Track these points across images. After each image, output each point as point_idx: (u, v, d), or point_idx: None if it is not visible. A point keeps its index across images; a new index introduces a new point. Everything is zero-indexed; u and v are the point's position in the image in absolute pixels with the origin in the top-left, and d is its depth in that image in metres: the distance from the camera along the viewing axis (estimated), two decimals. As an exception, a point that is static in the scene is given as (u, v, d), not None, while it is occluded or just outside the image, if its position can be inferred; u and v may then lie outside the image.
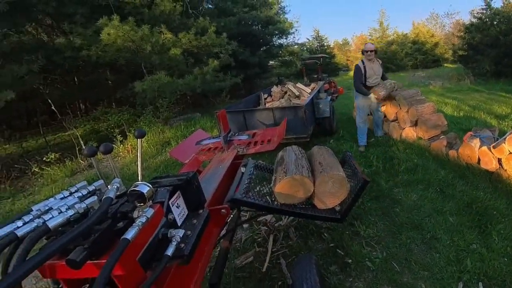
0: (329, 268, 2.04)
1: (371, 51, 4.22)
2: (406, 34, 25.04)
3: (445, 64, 22.96)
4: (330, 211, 1.65)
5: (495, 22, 12.08)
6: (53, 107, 7.14)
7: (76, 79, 9.77)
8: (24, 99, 7.78)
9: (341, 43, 38.48)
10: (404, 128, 4.47)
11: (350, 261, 2.09)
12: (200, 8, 9.73)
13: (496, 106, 6.67)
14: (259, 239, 2.43)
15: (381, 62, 4.50)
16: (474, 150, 3.18)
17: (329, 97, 5.68)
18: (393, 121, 4.73)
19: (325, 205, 1.63)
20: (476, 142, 3.20)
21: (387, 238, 2.32)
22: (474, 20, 13.31)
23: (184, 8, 8.25)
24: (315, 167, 1.78)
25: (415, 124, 4.29)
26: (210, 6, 11.86)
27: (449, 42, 24.26)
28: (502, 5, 12.27)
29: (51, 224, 0.64)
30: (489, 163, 3.04)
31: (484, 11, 12.76)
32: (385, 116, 4.89)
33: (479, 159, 3.17)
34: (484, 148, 3.06)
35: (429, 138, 4.12)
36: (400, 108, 4.46)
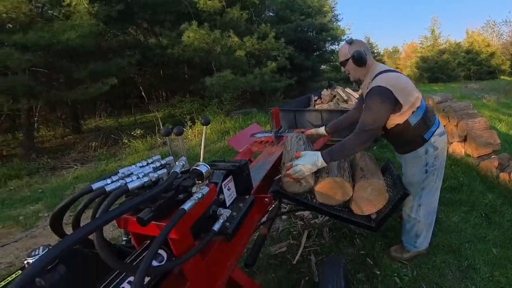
0: (356, 275, 1.85)
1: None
2: (459, 43, 21.07)
3: (502, 77, 18.67)
4: (366, 218, 1.51)
5: None
6: (142, 93, 8.06)
7: (161, 72, 10.81)
8: (123, 85, 8.92)
9: (391, 50, 34.80)
10: (451, 143, 3.79)
11: (378, 272, 1.86)
12: (263, 15, 9.84)
13: None
14: (294, 232, 2.36)
15: None
16: None
17: None
18: None
19: (362, 211, 1.50)
20: None
21: (421, 257, 1.98)
22: None
23: (249, 16, 8.42)
24: (356, 172, 1.65)
25: (464, 139, 3.59)
26: (271, 14, 11.90)
27: (507, 53, 19.99)
28: None
29: (131, 186, 0.70)
30: None
31: None
32: None
33: None
34: None
35: (478, 157, 3.39)
36: (449, 121, 3.79)
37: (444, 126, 3.77)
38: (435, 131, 1.59)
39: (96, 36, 5.92)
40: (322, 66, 15.79)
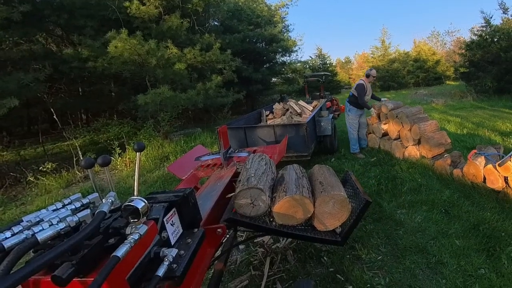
0: None
1: (374, 76, 5.15)
2: (408, 52, 25.57)
3: (447, 82, 23.23)
4: (330, 233, 1.60)
5: (495, 39, 12.30)
6: (54, 116, 7.23)
7: (80, 89, 9.95)
8: (27, 106, 7.90)
9: (343, 61, 39.49)
10: (407, 147, 4.45)
11: (350, 287, 2.01)
12: (207, 25, 10.10)
13: (500, 122, 6.67)
14: (255, 262, 2.36)
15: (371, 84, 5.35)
16: (479, 169, 3.12)
17: (331, 115, 5.74)
18: (395, 139, 4.72)
19: (325, 226, 1.58)
20: (481, 161, 3.14)
21: (390, 262, 2.24)
22: (475, 38, 13.57)
23: (191, 25, 8.54)
24: (316, 187, 1.76)
25: (418, 142, 4.27)
26: (216, 23, 12.30)
27: (451, 60, 24.74)
28: (502, 22, 12.54)
29: (40, 236, 0.63)
30: (495, 182, 2.97)
31: (484, 29, 13.08)
32: (387, 135, 4.92)
33: (484, 178, 3.10)
34: (490, 166, 3.00)
35: (432, 157, 4.07)
36: (403, 126, 4.46)
37: (398, 131, 4.62)
38: (355, 107, 4.94)
39: (-12, 45, 5.22)
40: (273, 79, 16.84)
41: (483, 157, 3.16)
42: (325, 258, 2.32)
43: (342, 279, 2.09)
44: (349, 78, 32.49)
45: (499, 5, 12.40)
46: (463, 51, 14.64)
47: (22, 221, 0.70)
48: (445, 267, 2.13)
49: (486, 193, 3.07)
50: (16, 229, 0.65)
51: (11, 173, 5.78)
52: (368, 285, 2.02)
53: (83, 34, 7.20)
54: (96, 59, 6.85)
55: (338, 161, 4.92)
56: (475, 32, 13.62)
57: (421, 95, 15.43)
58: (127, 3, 7.04)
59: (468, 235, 2.48)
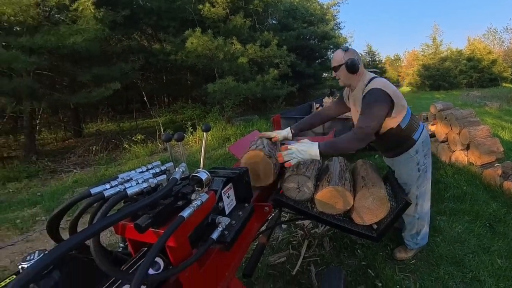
0: (357, 287, 1.81)
1: None
2: (461, 50, 21.33)
3: (504, 84, 18.65)
4: (367, 228, 1.49)
5: None
6: (145, 98, 8.13)
7: (164, 78, 10.94)
8: (126, 89, 9.02)
9: (392, 58, 35.11)
10: (454, 151, 3.74)
11: (380, 284, 1.82)
12: (266, 23, 10.01)
13: None
14: (294, 242, 2.33)
15: None
16: None
17: None
18: (442, 142, 3.99)
19: (363, 220, 1.47)
20: None
21: (423, 268, 1.95)
22: None
23: (252, 23, 8.57)
24: (358, 181, 1.64)
25: (466, 147, 3.55)
26: (274, 21, 12.08)
27: (509, 60, 20.16)
28: None
29: (129, 191, 0.70)
30: None
31: None
32: (434, 136, 4.17)
33: None
34: None
35: (481, 165, 3.35)
36: (451, 129, 3.74)
37: (446, 134, 3.84)
38: (421, 132, 1.74)
39: (101, 41, 6.02)
40: (324, 74, 15.94)
41: None
42: (359, 251, 2.15)
43: (373, 274, 1.91)
44: (398, 75, 28.74)
45: None
46: None
47: (118, 177, 0.77)
48: (481, 285, 1.76)
49: None
50: (113, 183, 0.74)
51: (113, 140, 6.74)
52: (398, 286, 1.79)
53: (167, 33, 7.85)
54: (177, 53, 7.38)
55: (382, 158, 4.44)
56: None
57: (474, 97, 12.61)
58: (201, 6, 7.37)
59: None
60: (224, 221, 0.87)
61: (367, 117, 1.50)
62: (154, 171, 0.84)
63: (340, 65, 1.64)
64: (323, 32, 12.79)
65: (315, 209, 1.47)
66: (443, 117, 3.92)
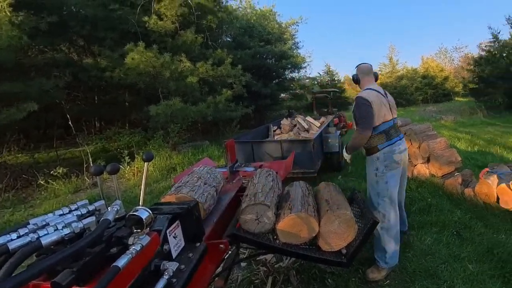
0: None
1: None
2: (416, 68, 25.63)
3: (456, 98, 23.01)
4: (336, 254, 1.56)
5: (504, 54, 12.25)
6: (70, 122, 7.43)
7: (96, 98, 10.25)
8: (45, 111, 8.15)
9: (351, 78, 39.58)
10: (416, 165, 4.31)
11: None
12: (219, 40, 10.44)
13: None
14: (256, 281, 2.28)
15: None
16: (492, 188, 2.98)
17: (338, 132, 5.70)
18: None
19: (331, 247, 1.54)
20: (493, 179, 3.01)
21: (399, 287, 2.13)
22: (483, 53, 13.59)
23: (205, 40, 8.83)
24: (321, 205, 1.73)
25: (427, 160, 4.14)
26: (228, 39, 12.69)
27: (459, 76, 24.55)
28: (510, 37, 12.47)
29: (45, 241, 0.63)
30: (510, 202, 2.83)
31: (492, 44, 13.04)
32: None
33: (497, 198, 2.96)
34: (503, 185, 2.86)
35: (442, 176, 3.92)
36: (411, 144, 4.33)
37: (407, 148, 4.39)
38: (389, 145, 2.25)
39: (17, 51, 5.50)
40: (282, 94, 17.06)
41: (495, 175, 3.04)
42: (329, 280, 2.22)
43: None
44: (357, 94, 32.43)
45: (506, 20, 12.40)
46: (472, 67, 14.63)
47: (29, 223, 0.70)
48: None
49: (500, 214, 2.93)
50: (22, 231, 0.66)
51: (24, 175, 5.89)
52: (374, 310, 1.92)
53: (103, 45, 7.53)
54: (114, 69, 7.10)
55: (345, 178, 4.83)
56: (483, 47, 13.65)
57: (430, 112, 15.19)
58: (146, 18, 7.35)
59: (481, 259, 2.35)
60: (171, 266, 0.82)
61: (356, 119, 2.28)
62: (79, 213, 0.78)
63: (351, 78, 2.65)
64: (281, 51, 13.76)
65: (277, 241, 1.49)
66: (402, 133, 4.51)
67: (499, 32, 12.71)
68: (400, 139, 2.35)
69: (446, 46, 34.66)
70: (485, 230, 2.75)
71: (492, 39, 13.02)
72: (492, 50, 12.96)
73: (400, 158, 2.28)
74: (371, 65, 2.56)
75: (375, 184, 2.26)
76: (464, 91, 20.74)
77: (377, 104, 2.20)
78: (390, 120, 2.31)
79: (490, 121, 10.07)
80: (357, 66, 2.52)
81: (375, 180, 2.26)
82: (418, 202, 3.51)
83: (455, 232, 2.79)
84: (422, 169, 4.22)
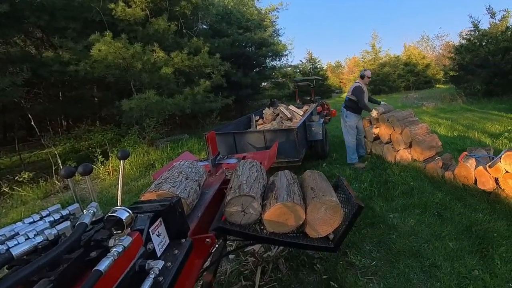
0: None
1: (369, 77, 5.11)
2: (398, 56, 26.42)
3: (437, 85, 24.12)
4: (323, 240, 1.61)
5: (483, 43, 12.91)
6: (32, 123, 7.02)
7: (60, 94, 9.73)
8: (2, 112, 7.65)
9: (334, 65, 40.21)
10: (398, 150, 4.54)
11: None
12: (195, 28, 10.09)
13: (489, 124, 6.93)
14: (246, 272, 2.34)
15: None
16: (470, 171, 3.22)
17: (322, 120, 5.80)
18: (387, 143, 4.81)
19: (318, 233, 1.59)
20: (471, 162, 3.24)
21: (384, 267, 2.27)
22: (463, 42, 14.19)
23: (179, 28, 8.52)
24: (307, 193, 1.77)
25: (409, 145, 4.37)
26: (205, 26, 12.32)
27: (440, 63, 25.69)
28: (489, 26, 13.11)
29: (15, 251, 0.61)
30: (486, 183, 3.06)
31: (473, 33, 13.67)
32: (378, 138, 5.02)
33: (475, 180, 3.19)
34: (480, 168, 3.10)
35: (424, 160, 4.17)
36: (394, 130, 4.55)
37: (390, 135, 4.73)
38: (353, 113, 4.84)
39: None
40: (263, 83, 16.97)
41: (473, 159, 3.27)
42: (318, 265, 2.32)
43: (336, 286, 2.10)
44: (340, 82, 33.15)
45: (486, 10, 13.00)
46: (453, 54, 15.28)
47: None
48: (439, 270, 2.18)
49: (478, 194, 3.17)
50: (-12, 244, 0.62)
51: (-16, 184, 5.54)
52: (363, 291, 2.03)
53: (65, 37, 7.08)
54: (78, 62, 6.73)
55: (330, 166, 4.97)
56: (464, 36, 14.23)
57: (412, 99, 15.91)
58: (112, 5, 6.97)
59: (461, 237, 2.55)
60: (156, 265, 0.82)
61: (356, 96, 4.83)
62: (51, 219, 0.75)
63: None
64: (261, 38, 13.54)
65: (264, 231, 1.51)
66: (385, 120, 4.74)
67: (479, 21, 13.30)
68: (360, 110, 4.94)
69: (428, 34, 36.09)
70: (464, 210, 2.97)
71: (472, 28, 13.59)
72: (472, 38, 13.57)
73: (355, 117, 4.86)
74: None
75: (344, 124, 4.85)
76: (445, 79, 21.68)
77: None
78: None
79: (469, 107, 10.66)
80: (365, 70, 5.02)
81: (344, 123, 4.81)
82: (401, 185, 3.72)
83: (436, 213, 3.00)
84: (405, 154, 4.45)
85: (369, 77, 5.07)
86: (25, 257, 0.63)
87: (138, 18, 7.44)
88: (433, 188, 3.56)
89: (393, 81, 23.27)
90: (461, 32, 14.74)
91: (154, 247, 0.91)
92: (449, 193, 3.36)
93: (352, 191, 1.82)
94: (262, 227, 1.53)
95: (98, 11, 7.04)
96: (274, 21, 17.25)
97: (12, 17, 6.17)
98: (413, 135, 4.24)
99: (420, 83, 23.61)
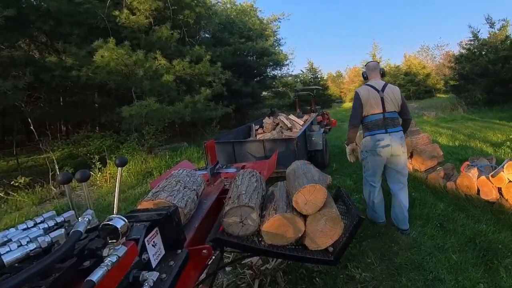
0: None
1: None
2: (399, 66, 26.82)
3: (438, 95, 24.35)
4: (323, 252, 1.58)
5: (483, 52, 13.16)
6: (31, 127, 7.03)
7: (61, 99, 9.79)
8: (2, 115, 7.68)
9: (334, 75, 40.62)
10: None
11: None
12: (197, 36, 10.24)
13: (491, 134, 6.95)
14: (242, 285, 2.29)
15: None
16: (473, 181, 3.19)
17: (322, 130, 5.80)
18: None
19: (317, 245, 1.56)
20: (474, 172, 3.22)
21: (386, 281, 2.21)
22: (463, 51, 14.48)
23: (181, 36, 8.65)
24: (307, 205, 1.76)
25: (410, 155, 4.34)
26: (207, 35, 12.49)
27: (441, 73, 25.97)
28: (489, 36, 13.37)
29: (7, 259, 0.60)
30: (489, 193, 3.04)
31: (472, 42, 13.96)
32: None
33: (478, 190, 3.17)
34: (483, 177, 3.08)
35: (425, 170, 4.14)
36: None
37: None
38: (370, 135, 2.77)
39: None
40: (264, 93, 17.08)
41: (476, 168, 3.26)
42: (317, 279, 2.27)
43: None
44: (340, 92, 33.42)
45: (486, 20, 13.29)
46: (453, 64, 15.54)
47: None
48: (442, 283, 2.13)
49: (481, 205, 3.13)
50: (-21, 250, 0.61)
51: (-21, 188, 5.51)
52: (363, 306, 1.99)
53: (69, 42, 7.19)
54: (81, 68, 6.80)
55: (330, 176, 4.94)
56: (464, 46, 14.55)
57: (412, 108, 16.03)
58: (116, 12, 7.10)
59: (464, 249, 2.51)
60: (150, 276, 0.80)
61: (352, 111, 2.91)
62: (45, 226, 0.74)
63: None
64: (262, 48, 13.75)
65: (263, 243, 1.49)
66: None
67: (478, 31, 13.64)
68: (383, 133, 2.70)
69: (428, 44, 36.59)
70: (467, 221, 2.93)
71: (472, 38, 13.92)
72: (472, 48, 13.86)
73: (379, 148, 2.69)
74: (378, 62, 2.98)
75: (362, 160, 2.98)
76: (445, 88, 21.92)
77: (365, 98, 2.71)
78: (378, 113, 2.72)
79: (470, 116, 10.73)
80: (366, 64, 2.99)
81: (362, 157, 2.93)
82: (403, 196, 3.68)
83: (438, 224, 2.96)
84: (406, 165, 4.43)
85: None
86: (16, 264, 0.62)
87: (141, 25, 7.56)
88: (435, 199, 3.52)
89: (394, 91, 23.67)
90: (461, 42, 15.13)
91: (149, 258, 0.89)
92: (452, 204, 3.32)
93: (353, 202, 1.81)
94: (260, 239, 1.51)
95: (102, 17, 7.16)
96: (276, 31, 17.57)
97: (18, 21, 6.27)
98: (414, 145, 4.22)
99: (421, 92, 23.85)
